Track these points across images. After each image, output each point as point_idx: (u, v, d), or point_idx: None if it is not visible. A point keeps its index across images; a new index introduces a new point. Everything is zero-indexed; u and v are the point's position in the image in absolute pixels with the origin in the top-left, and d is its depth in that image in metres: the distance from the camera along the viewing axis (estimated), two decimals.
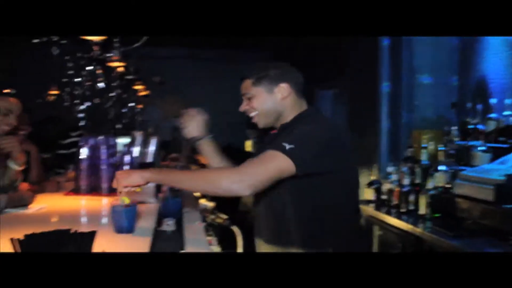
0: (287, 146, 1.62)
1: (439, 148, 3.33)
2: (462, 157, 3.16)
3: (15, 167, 2.39)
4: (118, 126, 7.36)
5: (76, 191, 2.89)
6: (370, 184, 3.73)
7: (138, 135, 3.30)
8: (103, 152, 2.92)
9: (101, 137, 2.97)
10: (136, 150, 3.23)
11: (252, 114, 1.90)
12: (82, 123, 4.45)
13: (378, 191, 3.66)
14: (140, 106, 6.71)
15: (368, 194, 3.71)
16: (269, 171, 1.63)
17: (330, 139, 1.74)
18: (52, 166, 4.11)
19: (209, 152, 2.12)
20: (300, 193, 1.75)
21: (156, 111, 7.90)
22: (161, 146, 6.85)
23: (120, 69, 3.71)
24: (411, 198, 3.25)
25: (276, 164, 1.62)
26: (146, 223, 2.09)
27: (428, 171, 3.26)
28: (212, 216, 2.63)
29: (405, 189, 3.33)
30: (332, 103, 5.85)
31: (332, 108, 5.82)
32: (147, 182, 1.78)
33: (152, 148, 3.26)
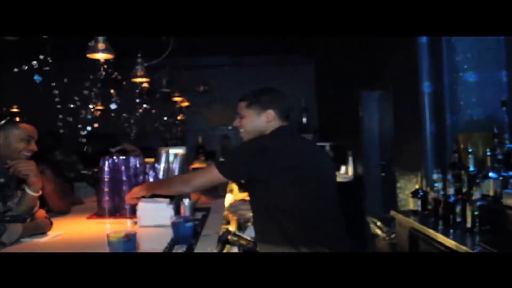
0: (220, 159, 2.18)
1: (487, 153, 3.02)
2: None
3: (32, 193, 2.35)
4: (168, 137, 7.44)
5: (98, 214, 2.83)
6: (414, 193, 3.45)
7: (163, 152, 3.21)
8: (124, 172, 2.85)
9: (122, 158, 2.90)
10: (161, 167, 3.15)
11: (240, 130, 2.32)
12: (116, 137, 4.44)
13: (423, 201, 3.38)
14: (180, 117, 6.68)
15: (412, 204, 3.44)
16: (205, 178, 2.22)
17: (260, 152, 2.07)
18: (94, 183, 4.11)
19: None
20: (253, 196, 2.24)
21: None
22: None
23: (145, 85, 3.64)
24: (458, 209, 2.96)
25: (209, 174, 2.18)
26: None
27: (476, 178, 2.96)
28: (235, 238, 2.52)
29: (450, 200, 3.04)
30: (378, 105, 5.57)
31: (378, 110, 5.55)
32: (143, 195, 2.45)
33: (176, 165, 3.17)
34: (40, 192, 2.40)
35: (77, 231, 2.52)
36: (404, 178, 4.24)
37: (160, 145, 7.46)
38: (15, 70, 2.11)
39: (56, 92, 2.63)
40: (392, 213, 3.62)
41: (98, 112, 5.85)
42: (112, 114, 3.48)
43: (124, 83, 2.74)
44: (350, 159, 5.87)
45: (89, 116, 2.71)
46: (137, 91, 3.69)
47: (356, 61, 5.70)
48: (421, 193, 3.41)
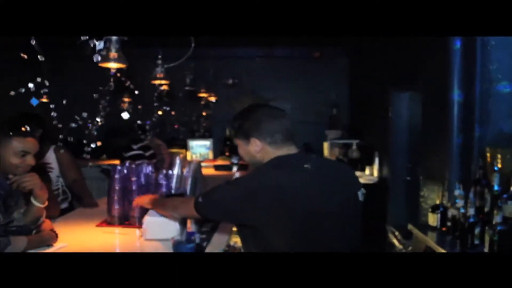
0: (200, 198, 1.92)
1: None
2: None
3: (38, 204, 2.35)
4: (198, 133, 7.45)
5: (107, 221, 2.84)
6: (433, 208, 3.33)
7: (177, 159, 3.18)
8: (135, 182, 2.84)
9: (133, 165, 2.89)
10: (175, 175, 3.12)
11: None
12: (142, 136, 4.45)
13: (442, 218, 3.25)
14: (205, 113, 6.65)
15: (431, 219, 3.32)
16: (186, 211, 2.04)
17: (245, 196, 1.79)
18: None
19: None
20: (243, 238, 1.96)
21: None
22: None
23: (165, 87, 3.61)
24: (477, 231, 2.83)
25: (189, 208, 1.94)
26: None
27: (499, 199, 2.82)
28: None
29: (470, 220, 2.91)
30: (408, 106, 5.39)
31: (409, 111, 5.37)
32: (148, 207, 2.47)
33: (188, 174, 3.13)
34: (46, 203, 2.40)
35: (85, 240, 2.53)
36: (428, 187, 4.10)
37: (187, 137, 7.54)
38: (12, 93, 2.07)
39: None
40: (410, 227, 3.50)
41: (126, 105, 5.95)
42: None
43: (137, 92, 2.69)
44: (376, 160, 5.73)
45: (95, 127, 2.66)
46: (156, 94, 3.66)
47: (390, 58, 5.54)
48: (441, 209, 3.28)
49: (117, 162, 4.92)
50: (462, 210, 3.05)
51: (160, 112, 4.11)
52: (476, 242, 2.82)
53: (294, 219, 1.74)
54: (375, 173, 5.73)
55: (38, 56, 1.82)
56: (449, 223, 3.17)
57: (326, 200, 1.81)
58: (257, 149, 1.90)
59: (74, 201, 3.68)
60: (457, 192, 3.19)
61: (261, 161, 1.91)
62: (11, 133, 2.19)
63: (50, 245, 2.33)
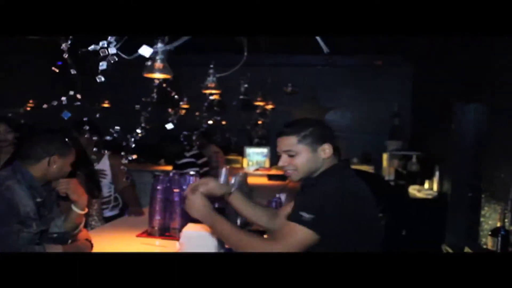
0: (306, 216, 1.75)
1: None
2: None
3: (77, 210, 2.38)
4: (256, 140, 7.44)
5: (148, 232, 2.83)
6: (493, 232, 3.10)
7: (223, 171, 3.13)
8: (177, 194, 2.82)
9: (176, 177, 2.87)
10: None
11: (289, 171, 1.99)
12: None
13: (503, 242, 3.02)
14: (260, 122, 6.61)
15: (491, 243, 3.09)
16: (293, 246, 1.76)
17: (343, 200, 1.80)
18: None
19: (239, 205, 2.32)
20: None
21: None
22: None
23: (216, 97, 3.59)
24: None
25: (298, 238, 1.76)
26: None
27: None
28: None
29: None
30: (474, 118, 5.09)
31: (474, 124, 5.07)
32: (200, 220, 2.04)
33: (234, 187, 3.07)
34: (86, 210, 2.42)
35: (120, 250, 2.52)
36: (490, 206, 3.85)
37: (245, 144, 7.54)
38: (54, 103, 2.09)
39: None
40: (466, 249, 3.28)
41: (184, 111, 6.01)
42: None
43: (181, 103, 2.68)
44: (437, 174, 5.46)
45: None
46: (205, 104, 3.64)
47: (455, 67, 5.28)
48: (502, 233, 3.05)
49: (169, 168, 4.96)
50: None
51: (210, 122, 4.10)
52: None
53: (367, 225, 1.86)
54: (435, 187, 5.46)
55: (71, 70, 1.84)
56: (511, 249, 2.95)
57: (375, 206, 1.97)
58: (327, 154, 1.95)
59: (125, 208, 3.72)
60: None
61: (317, 170, 1.97)
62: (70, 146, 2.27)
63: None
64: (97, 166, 3.56)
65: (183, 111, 5.88)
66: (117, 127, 2.54)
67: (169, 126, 2.68)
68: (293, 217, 1.79)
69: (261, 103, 5.99)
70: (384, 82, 7.71)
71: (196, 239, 2.43)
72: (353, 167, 2.40)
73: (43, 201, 2.30)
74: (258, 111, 6.15)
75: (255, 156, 7.57)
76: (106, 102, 6.82)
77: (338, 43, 6.70)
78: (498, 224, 3.15)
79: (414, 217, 4.98)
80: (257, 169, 7.01)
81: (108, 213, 3.57)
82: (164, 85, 2.61)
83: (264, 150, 7.57)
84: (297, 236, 1.76)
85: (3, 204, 2.10)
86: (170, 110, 2.59)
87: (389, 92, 7.68)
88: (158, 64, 2.53)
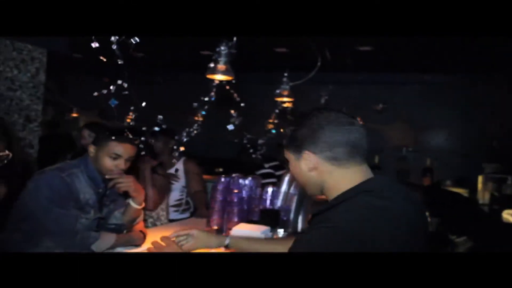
0: None
1: None
2: None
3: (134, 205, 2.48)
4: None
5: (207, 231, 2.89)
6: None
7: (286, 176, 3.14)
8: (234, 193, 2.86)
9: (236, 178, 2.92)
10: (282, 192, 3.09)
11: None
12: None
13: None
14: None
15: None
16: None
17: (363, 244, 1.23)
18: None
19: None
20: None
21: None
22: None
23: (288, 105, 3.61)
24: None
25: None
26: None
27: None
28: None
29: None
30: None
31: None
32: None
33: (294, 191, 3.06)
34: (143, 205, 2.53)
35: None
36: None
37: None
38: (95, 94, 2.21)
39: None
40: None
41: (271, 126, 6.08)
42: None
43: (243, 104, 2.72)
44: None
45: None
46: (276, 111, 3.67)
47: None
48: None
49: None
50: None
51: (273, 131, 4.10)
52: None
53: None
54: None
55: (118, 60, 1.93)
56: None
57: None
58: (310, 165, 1.43)
59: (195, 212, 3.83)
60: None
61: (319, 183, 1.45)
62: (113, 137, 2.36)
63: (137, 245, 2.44)
64: (171, 170, 3.72)
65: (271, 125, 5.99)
66: (160, 116, 2.62)
67: (230, 127, 2.73)
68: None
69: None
70: (481, 102, 7.28)
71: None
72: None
73: (105, 192, 2.44)
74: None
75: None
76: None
77: (432, 61, 6.49)
78: None
79: (505, 243, 4.60)
80: None
81: (178, 216, 3.69)
82: (228, 87, 2.67)
83: None
84: None
85: (65, 189, 2.26)
86: (232, 112, 2.63)
87: (487, 112, 7.22)
88: (221, 66, 2.62)
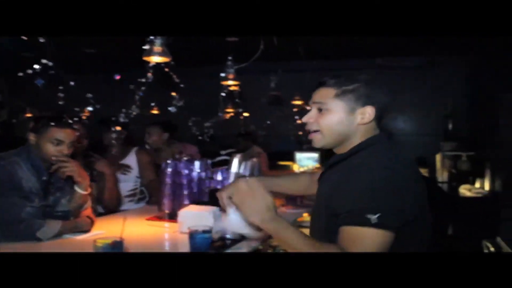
0: (373, 218, 1.37)
1: None
2: None
3: (80, 191, 2.45)
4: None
5: (158, 216, 2.87)
6: None
7: (236, 157, 3.13)
8: (185, 177, 2.84)
9: (184, 161, 2.90)
10: (232, 174, 3.08)
11: (313, 129, 1.63)
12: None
13: None
14: (300, 121, 6.53)
15: None
16: (374, 250, 1.39)
17: (408, 182, 1.48)
18: None
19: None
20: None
21: None
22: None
23: (234, 88, 3.60)
24: None
25: (375, 244, 1.39)
26: None
27: None
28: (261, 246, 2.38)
29: None
30: None
31: None
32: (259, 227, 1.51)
33: (245, 172, 3.05)
34: (89, 190, 2.50)
35: (129, 232, 2.55)
36: None
37: (295, 149, 7.48)
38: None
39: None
40: (498, 239, 3.06)
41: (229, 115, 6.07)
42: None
43: (182, 85, 2.71)
44: (488, 172, 5.15)
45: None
46: (223, 94, 3.66)
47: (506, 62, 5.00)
48: None
49: None
50: None
51: (231, 113, 4.10)
52: None
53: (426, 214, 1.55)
54: (486, 186, 5.15)
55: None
56: None
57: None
58: (366, 119, 1.57)
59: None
60: None
61: (351, 135, 1.59)
62: (52, 123, 2.32)
63: (86, 231, 2.42)
64: (123, 161, 3.68)
65: (228, 115, 5.98)
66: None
67: (172, 109, 2.71)
68: (358, 221, 1.39)
69: (299, 102, 5.94)
70: (437, 82, 7.42)
71: (193, 217, 2.44)
72: None
73: (49, 180, 2.40)
74: (295, 109, 6.09)
75: (306, 162, 7.44)
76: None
77: (387, 44, 6.56)
78: None
79: (462, 216, 4.72)
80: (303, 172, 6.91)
81: (134, 206, 3.65)
82: (167, 69, 2.65)
83: (315, 155, 7.43)
84: (373, 242, 1.38)
85: (5, 177, 2.25)
86: (174, 93, 2.62)
87: (443, 93, 7.36)
88: (157, 47, 2.59)
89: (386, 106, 1.61)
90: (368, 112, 1.57)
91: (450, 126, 7.01)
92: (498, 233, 4.44)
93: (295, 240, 1.43)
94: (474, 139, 6.39)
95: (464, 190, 5.41)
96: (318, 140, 1.63)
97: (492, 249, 3.47)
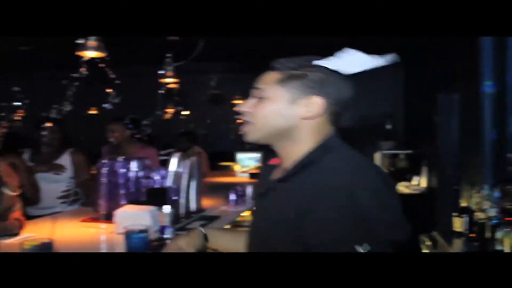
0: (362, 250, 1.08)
1: None
2: None
3: (8, 192, 2.32)
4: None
5: (93, 217, 2.75)
6: (459, 212, 2.95)
7: (174, 156, 3.05)
8: (121, 176, 2.73)
9: (120, 160, 2.79)
10: (172, 172, 2.99)
11: (246, 121, 1.30)
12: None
13: (470, 222, 2.87)
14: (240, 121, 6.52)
15: (458, 224, 2.94)
16: None
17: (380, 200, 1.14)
18: None
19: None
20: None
21: None
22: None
23: (173, 85, 3.52)
24: (500, 234, 2.44)
25: None
26: None
27: None
28: None
29: (492, 222, 2.53)
30: (457, 110, 4.94)
31: (457, 115, 4.92)
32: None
33: (184, 170, 2.98)
34: (18, 192, 2.36)
35: (63, 234, 2.43)
36: (466, 193, 3.69)
37: (236, 149, 7.44)
38: None
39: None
40: (434, 233, 3.14)
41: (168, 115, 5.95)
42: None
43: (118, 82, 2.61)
44: (425, 170, 5.31)
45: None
46: (161, 91, 3.57)
47: (436, 61, 5.17)
48: (466, 213, 2.91)
49: None
50: (490, 212, 2.67)
51: (170, 112, 4.01)
52: (500, 248, 2.44)
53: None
54: (423, 183, 5.31)
55: None
56: (475, 228, 2.80)
57: None
58: (311, 112, 1.25)
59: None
60: (485, 193, 2.82)
61: (292, 133, 1.27)
62: None
63: (15, 234, 2.28)
64: (57, 161, 3.53)
65: (168, 115, 5.86)
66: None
67: (108, 106, 2.60)
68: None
69: (239, 101, 5.91)
70: (374, 83, 7.58)
71: (130, 217, 2.35)
72: None
73: None
74: (236, 108, 6.05)
75: (248, 162, 7.41)
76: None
77: (326, 45, 6.67)
78: (465, 204, 3.01)
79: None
80: (243, 172, 6.88)
81: (67, 207, 3.50)
82: (102, 65, 2.54)
83: (257, 155, 7.41)
84: None
85: None
86: (110, 90, 2.51)
87: (382, 93, 7.54)
88: (91, 42, 2.48)
89: (344, 99, 1.29)
90: (315, 104, 1.24)
91: (389, 125, 7.19)
92: (434, 228, 4.59)
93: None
94: (412, 138, 6.59)
95: (402, 187, 5.55)
96: (249, 132, 1.30)
97: (429, 243, 3.56)
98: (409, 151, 6.01)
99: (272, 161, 1.37)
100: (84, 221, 2.72)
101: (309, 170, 1.20)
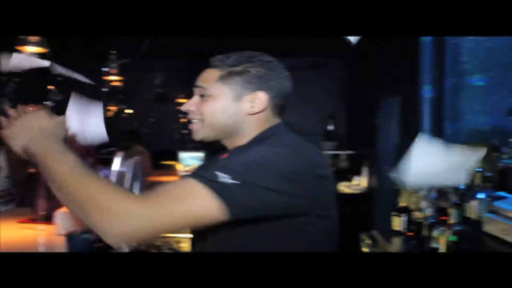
0: (221, 177, 1.04)
1: (477, 169, 2.58)
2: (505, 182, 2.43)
3: None
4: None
5: (31, 218, 2.65)
6: (397, 211, 3.05)
7: (117, 156, 2.99)
8: None
9: None
10: (114, 172, 2.93)
11: (194, 120, 1.31)
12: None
13: (408, 221, 2.98)
14: (184, 120, 6.50)
15: (396, 223, 3.04)
16: (185, 217, 1.04)
17: (296, 169, 1.13)
18: None
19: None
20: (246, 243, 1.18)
21: None
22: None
23: (116, 83, 3.45)
24: (436, 233, 2.55)
25: (191, 206, 1.03)
26: None
27: (463, 198, 2.54)
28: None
29: (429, 221, 2.64)
30: (397, 111, 5.11)
31: (397, 116, 5.09)
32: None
33: (128, 170, 2.93)
34: None
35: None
36: (405, 193, 3.82)
37: (179, 148, 7.36)
38: None
39: None
40: (374, 232, 3.24)
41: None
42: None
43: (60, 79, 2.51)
44: (365, 170, 5.47)
45: None
46: (105, 89, 3.48)
47: (383, 63, 5.31)
48: (404, 213, 3.02)
49: None
50: (427, 212, 2.79)
51: (114, 109, 3.93)
52: (436, 246, 2.54)
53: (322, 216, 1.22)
54: (364, 183, 5.46)
55: None
56: (413, 227, 2.91)
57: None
58: (256, 108, 1.28)
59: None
60: (423, 193, 2.93)
61: (239, 127, 1.30)
62: None
63: None
64: None
65: (111, 113, 5.72)
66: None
67: (48, 103, 2.52)
68: (200, 174, 1.08)
69: (184, 100, 5.87)
70: (318, 84, 7.71)
71: (70, 220, 2.28)
72: None
73: None
74: (180, 107, 6.02)
75: (191, 161, 7.34)
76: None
77: (270, 44, 6.72)
78: (403, 204, 3.12)
79: (341, 211, 4.95)
80: (186, 171, 6.84)
81: (1, 208, 3.35)
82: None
83: (200, 155, 7.36)
84: (193, 203, 1.03)
85: None
86: (51, 87, 2.42)
87: (324, 94, 7.67)
88: (33, 37, 2.39)
89: (285, 92, 1.32)
90: (260, 100, 1.28)
91: (331, 126, 7.33)
92: (373, 226, 4.73)
93: (60, 175, 1.09)
94: (353, 139, 6.75)
95: (343, 187, 5.69)
96: (197, 130, 1.31)
97: (369, 241, 3.66)
98: (350, 152, 6.15)
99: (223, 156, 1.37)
100: (22, 222, 2.61)
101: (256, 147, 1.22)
